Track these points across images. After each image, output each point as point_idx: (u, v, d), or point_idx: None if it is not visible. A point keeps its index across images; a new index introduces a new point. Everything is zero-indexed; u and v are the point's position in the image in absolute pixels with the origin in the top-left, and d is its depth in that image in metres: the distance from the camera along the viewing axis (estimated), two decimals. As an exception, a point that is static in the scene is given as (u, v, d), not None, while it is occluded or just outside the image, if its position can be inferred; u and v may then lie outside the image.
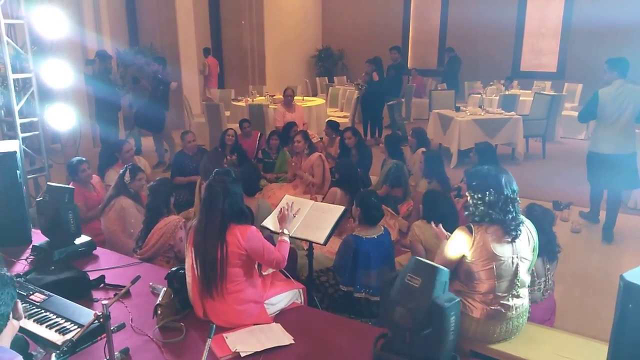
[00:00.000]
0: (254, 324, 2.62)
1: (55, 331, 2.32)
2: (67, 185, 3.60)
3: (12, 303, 1.61)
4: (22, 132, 4.80)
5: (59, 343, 2.20)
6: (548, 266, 3.04)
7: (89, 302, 2.83)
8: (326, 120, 7.41)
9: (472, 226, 2.49)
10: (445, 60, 11.86)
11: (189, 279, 2.69)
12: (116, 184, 4.10)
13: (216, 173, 2.69)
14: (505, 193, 2.43)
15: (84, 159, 4.54)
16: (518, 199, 2.49)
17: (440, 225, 2.89)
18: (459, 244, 2.51)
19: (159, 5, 10.22)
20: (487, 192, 2.44)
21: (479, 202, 2.48)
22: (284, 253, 2.77)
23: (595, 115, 4.82)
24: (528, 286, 2.88)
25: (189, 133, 6.01)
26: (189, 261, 2.67)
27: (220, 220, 2.57)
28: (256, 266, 2.78)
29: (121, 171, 4.14)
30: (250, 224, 2.71)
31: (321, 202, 4.32)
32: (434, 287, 2.13)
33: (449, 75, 11.46)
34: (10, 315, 1.62)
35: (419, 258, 2.26)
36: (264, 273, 2.92)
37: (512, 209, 2.44)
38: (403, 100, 9.46)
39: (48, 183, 3.58)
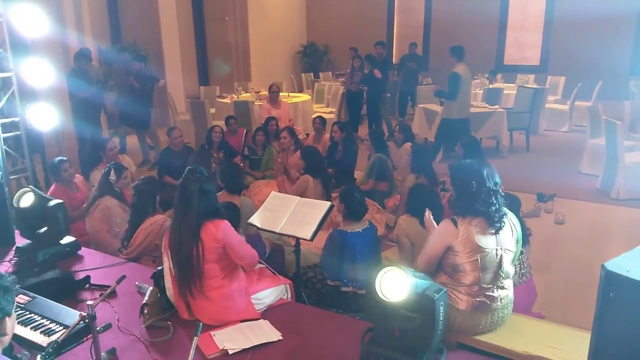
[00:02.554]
0: (242, 320, 2.62)
1: (41, 333, 2.30)
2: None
3: None
4: (3, 133, 4.73)
5: (45, 345, 2.18)
6: (522, 249, 3.09)
7: (74, 303, 2.80)
8: (316, 116, 7.38)
9: (456, 218, 2.52)
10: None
11: (168, 283, 2.67)
12: (100, 184, 4.06)
13: (189, 171, 2.64)
14: (488, 185, 2.46)
15: (65, 158, 4.48)
16: (501, 191, 2.52)
17: (431, 215, 2.91)
18: (443, 237, 2.53)
19: (141, 2, 10.10)
20: (470, 185, 2.46)
21: (462, 195, 2.51)
22: (255, 250, 2.79)
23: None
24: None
25: (176, 129, 5.99)
26: (167, 264, 2.65)
27: (196, 220, 2.54)
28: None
29: (104, 170, 4.10)
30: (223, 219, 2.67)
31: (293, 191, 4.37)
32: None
33: (407, 80, 10.15)
34: None
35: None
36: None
37: (494, 201, 2.47)
38: (389, 95, 9.49)
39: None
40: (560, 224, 5.28)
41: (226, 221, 2.62)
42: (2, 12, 4.64)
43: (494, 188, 2.47)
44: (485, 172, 2.48)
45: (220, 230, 2.56)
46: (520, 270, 3.09)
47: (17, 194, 3.52)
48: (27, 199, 3.47)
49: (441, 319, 2.15)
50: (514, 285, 2.97)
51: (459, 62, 6.67)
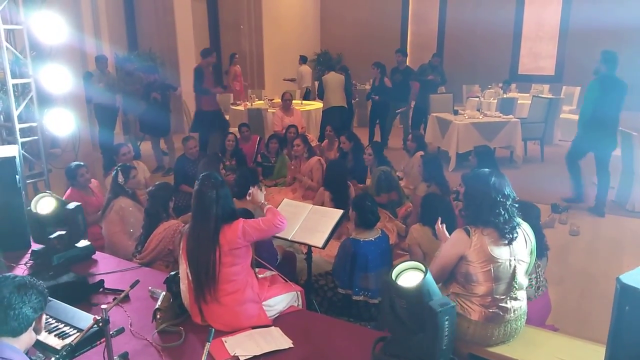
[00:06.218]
0: (253, 326, 2.63)
1: (55, 336, 2.32)
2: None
3: (37, 313, 1.61)
4: (21, 137, 4.81)
5: (58, 347, 2.20)
6: (538, 262, 3.07)
7: (88, 307, 2.82)
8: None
9: (469, 228, 2.50)
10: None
11: (183, 286, 2.69)
12: (112, 186, 4.13)
13: (204, 178, 2.68)
14: (493, 196, 2.43)
15: (82, 163, 4.55)
16: (513, 202, 2.49)
17: (444, 225, 2.89)
18: (456, 246, 2.52)
19: (157, 10, 10.23)
20: (476, 195, 2.46)
21: (470, 205, 2.51)
22: (275, 213, 2.79)
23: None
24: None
25: (191, 139, 6.04)
26: (183, 268, 2.67)
27: (214, 226, 2.58)
28: (252, 266, 2.79)
29: (113, 173, 4.16)
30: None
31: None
32: (423, 298, 2.15)
33: (425, 95, 8.82)
34: (33, 324, 1.61)
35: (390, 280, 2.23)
36: (260, 276, 2.93)
37: (502, 212, 2.43)
38: (412, 106, 8.95)
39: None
40: (575, 236, 5.22)
41: (241, 220, 2.66)
42: (23, 19, 4.73)
43: (501, 199, 2.44)
44: (492, 183, 2.46)
45: (239, 231, 2.60)
46: (536, 283, 3.06)
47: (34, 199, 3.57)
48: (45, 204, 3.52)
49: (446, 333, 2.13)
50: (530, 298, 2.95)
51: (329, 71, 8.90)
